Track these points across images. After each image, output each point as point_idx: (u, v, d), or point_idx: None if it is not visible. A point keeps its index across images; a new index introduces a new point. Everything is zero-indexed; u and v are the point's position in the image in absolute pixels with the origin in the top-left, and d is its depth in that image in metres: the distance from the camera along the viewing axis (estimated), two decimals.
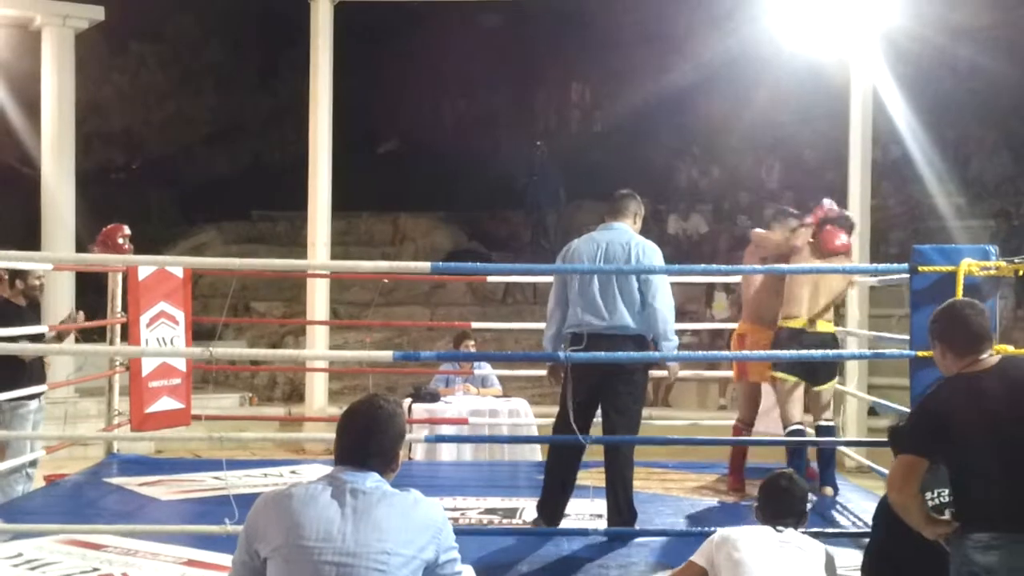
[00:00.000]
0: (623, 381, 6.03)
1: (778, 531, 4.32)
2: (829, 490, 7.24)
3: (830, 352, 7.06)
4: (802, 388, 7.24)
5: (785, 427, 7.15)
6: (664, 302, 6.01)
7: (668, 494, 7.38)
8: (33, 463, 7.65)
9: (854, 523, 6.54)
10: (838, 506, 7.05)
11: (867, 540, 4.67)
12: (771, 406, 7.59)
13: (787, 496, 4.49)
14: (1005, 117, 15.96)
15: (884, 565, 4.32)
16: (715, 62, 16.11)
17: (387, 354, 6.33)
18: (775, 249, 7.42)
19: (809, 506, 4.65)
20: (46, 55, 12.00)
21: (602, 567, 5.54)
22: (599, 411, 6.14)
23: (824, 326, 7.17)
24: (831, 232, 7.21)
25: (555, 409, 6.22)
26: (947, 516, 3.93)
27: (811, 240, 7.29)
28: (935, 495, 4.15)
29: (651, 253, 6.07)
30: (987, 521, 3.71)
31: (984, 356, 3.87)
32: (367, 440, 3.24)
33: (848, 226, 7.36)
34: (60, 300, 10.86)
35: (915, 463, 3.83)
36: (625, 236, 6.12)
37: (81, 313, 8.08)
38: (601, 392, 6.04)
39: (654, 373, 8.07)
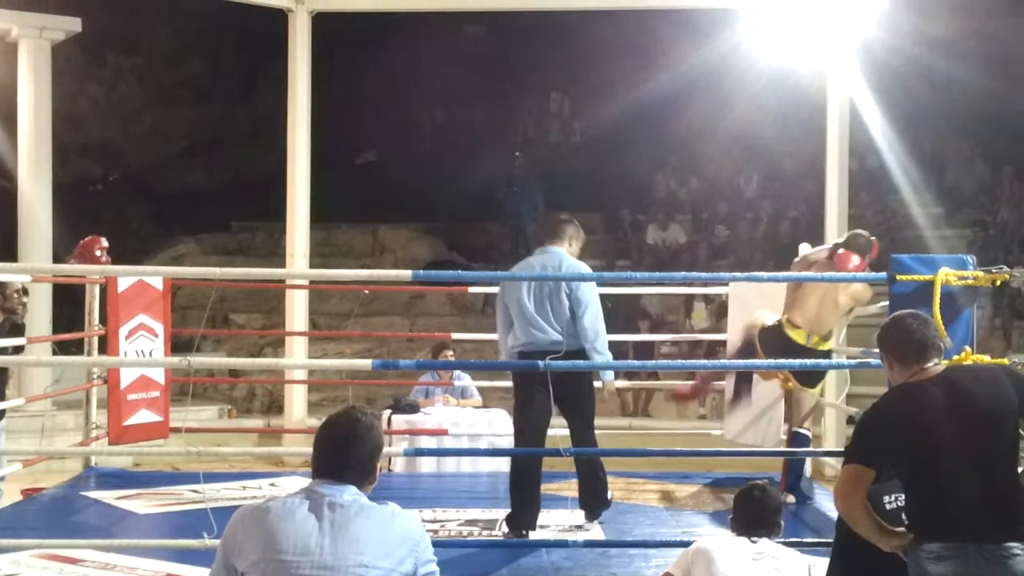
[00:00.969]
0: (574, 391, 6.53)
1: (752, 542, 4.33)
2: (791, 498, 7.31)
3: (808, 361, 7.11)
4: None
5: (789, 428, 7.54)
6: (591, 318, 6.41)
7: (647, 504, 7.39)
8: (1, 477, 7.59)
9: (833, 532, 6.54)
10: (819, 514, 7.07)
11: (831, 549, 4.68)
12: (760, 413, 7.68)
13: (760, 507, 4.51)
14: (981, 127, 16.05)
15: (849, 565, 4.33)
16: (693, 73, 16.16)
17: (366, 363, 6.37)
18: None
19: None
20: (23, 67, 11.94)
21: None
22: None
23: (823, 346, 7.36)
24: (845, 255, 7.44)
25: None
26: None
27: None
28: (892, 499, 4.17)
29: (580, 274, 6.48)
30: (937, 531, 3.73)
31: (929, 365, 3.89)
32: (345, 453, 3.23)
33: (864, 249, 7.48)
34: (38, 313, 10.78)
35: (860, 473, 3.85)
36: (557, 259, 6.53)
37: None
38: (559, 400, 6.46)
39: (631, 384, 8.21)
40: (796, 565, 4.31)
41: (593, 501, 6.72)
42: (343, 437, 3.25)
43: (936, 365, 3.90)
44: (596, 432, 6.71)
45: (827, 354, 7.46)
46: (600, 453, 7.20)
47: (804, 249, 7.91)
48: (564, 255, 6.58)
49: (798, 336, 7.25)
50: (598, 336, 6.41)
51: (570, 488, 7.48)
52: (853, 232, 7.72)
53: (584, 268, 6.59)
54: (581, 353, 6.38)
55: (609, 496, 6.82)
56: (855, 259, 7.40)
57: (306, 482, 3.27)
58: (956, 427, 3.73)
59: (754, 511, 4.49)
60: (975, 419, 3.75)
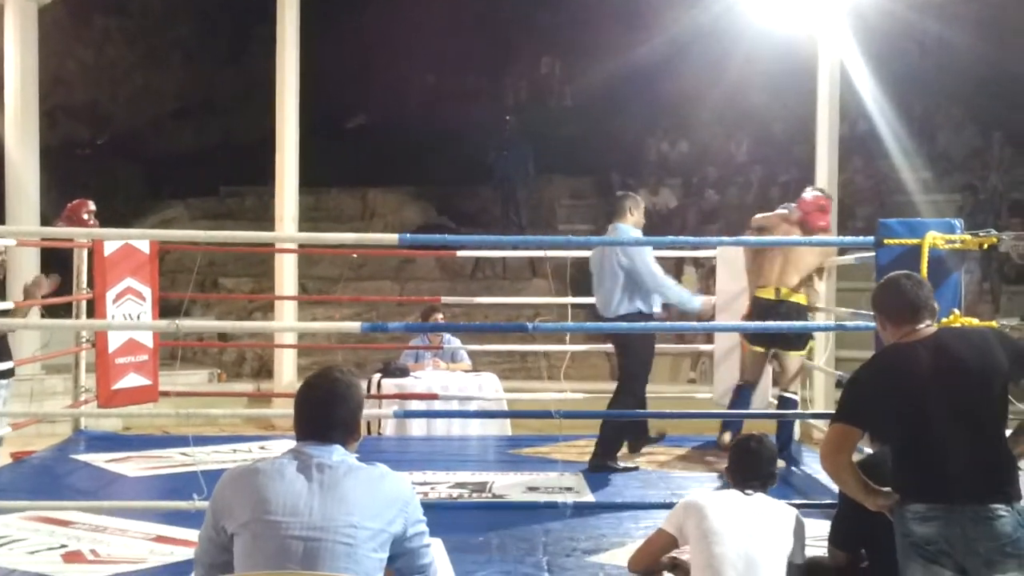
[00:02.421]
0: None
1: (746, 494, 4.35)
2: (780, 462, 7.35)
3: (796, 323, 7.18)
4: (766, 356, 7.63)
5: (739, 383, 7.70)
6: (644, 276, 7.15)
7: (639, 467, 7.40)
8: None
9: (822, 494, 6.59)
10: (808, 477, 7.11)
11: (835, 510, 4.71)
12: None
13: (756, 458, 4.53)
14: (972, 92, 16.02)
15: (850, 532, 4.36)
16: (685, 37, 16.11)
17: (355, 325, 6.39)
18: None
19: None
20: (9, 28, 11.83)
21: (571, 539, 5.57)
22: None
23: (795, 297, 7.41)
24: (815, 214, 7.58)
25: (525, 384, 6.55)
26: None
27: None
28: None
29: (626, 239, 7.22)
30: (922, 492, 3.73)
31: (921, 326, 3.89)
32: (328, 413, 3.24)
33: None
34: (24, 276, 10.75)
35: (846, 432, 3.85)
36: (620, 234, 7.27)
37: (53, 277, 7.91)
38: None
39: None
40: (786, 515, 4.33)
41: (595, 455, 7.17)
42: (324, 399, 3.25)
43: (928, 327, 3.90)
44: (592, 395, 6.97)
45: (802, 308, 7.48)
46: (590, 415, 7.27)
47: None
48: (626, 229, 7.26)
49: (766, 293, 7.42)
50: (659, 286, 7.21)
51: (560, 452, 7.52)
52: (811, 190, 7.89)
53: (632, 234, 7.26)
54: (637, 315, 7.14)
55: (613, 462, 7.17)
56: (826, 218, 7.63)
57: (294, 444, 3.27)
58: (944, 388, 3.74)
59: (751, 462, 4.51)
60: (963, 381, 3.75)
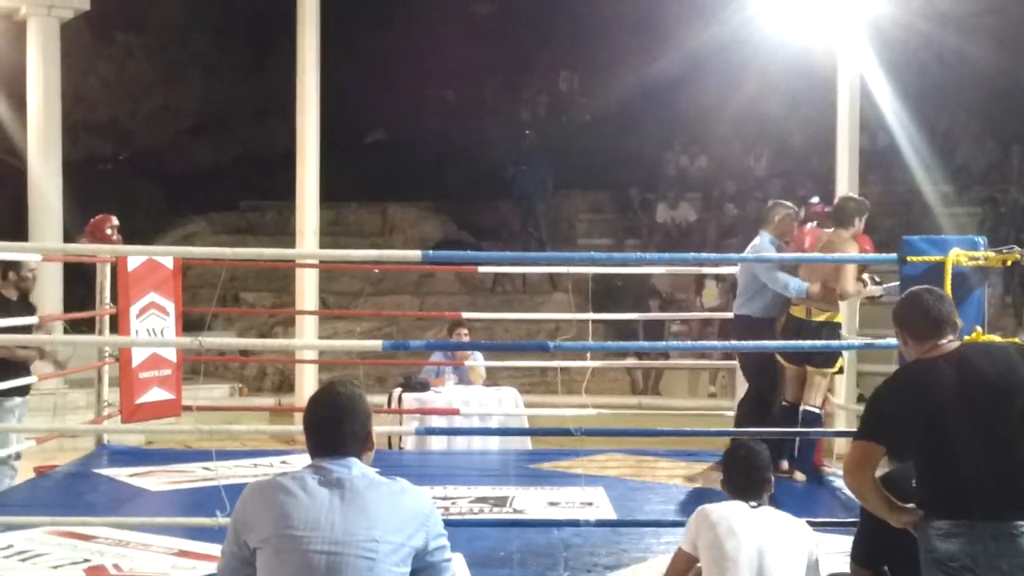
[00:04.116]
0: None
1: (752, 507, 4.32)
2: (801, 475, 7.33)
3: (818, 343, 7.14)
4: (802, 372, 7.51)
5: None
6: (771, 281, 7.47)
7: (657, 482, 7.40)
8: (17, 455, 7.65)
9: (846, 510, 6.56)
10: (833, 493, 7.08)
11: (854, 527, 4.69)
12: None
13: (749, 465, 4.47)
14: (991, 105, 15.98)
15: (872, 548, 4.34)
16: (703, 51, 16.11)
17: (376, 343, 6.38)
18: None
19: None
20: (31, 45, 11.93)
21: (592, 555, 5.56)
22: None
23: (824, 315, 7.37)
24: (812, 231, 7.87)
25: (545, 398, 6.49)
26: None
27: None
28: None
29: (760, 250, 7.63)
30: (946, 508, 3.72)
31: (944, 342, 3.88)
32: (337, 430, 3.23)
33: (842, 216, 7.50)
34: (48, 291, 10.84)
35: (868, 449, 3.84)
36: (759, 241, 7.70)
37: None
38: None
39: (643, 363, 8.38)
40: (796, 526, 4.30)
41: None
42: (332, 415, 3.25)
43: (951, 342, 3.89)
44: (612, 412, 6.94)
45: (834, 327, 7.47)
46: (610, 433, 7.25)
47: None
48: (764, 236, 7.69)
49: (798, 312, 7.42)
50: (784, 287, 7.40)
51: (581, 466, 7.51)
52: (843, 198, 7.87)
53: (766, 249, 7.60)
54: (762, 321, 7.59)
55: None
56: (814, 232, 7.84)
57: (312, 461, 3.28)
58: (967, 404, 3.72)
59: (744, 470, 4.46)
60: (986, 397, 3.74)
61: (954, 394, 3.75)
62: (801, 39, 11.43)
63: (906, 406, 3.81)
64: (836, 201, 7.88)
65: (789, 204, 7.94)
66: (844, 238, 7.34)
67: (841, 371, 7.88)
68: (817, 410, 7.51)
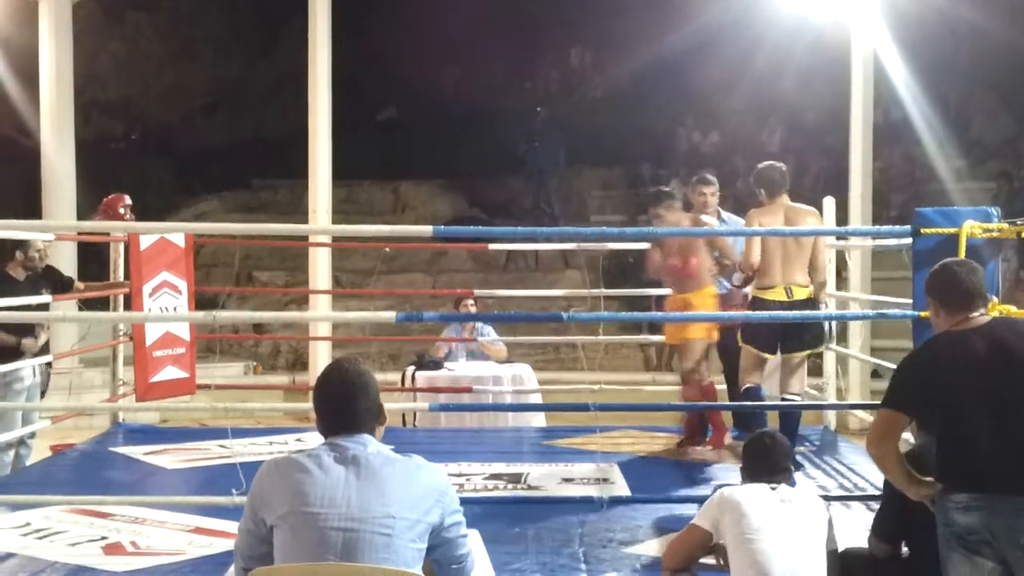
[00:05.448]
0: None
1: (773, 489, 4.33)
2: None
3: (834, 313, 7.05)
4: (767, 359, 7.05)
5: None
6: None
7: (670, 458, 7.40)
8: (32, 434, 7.69)
9: (857, 485, 6.57)
10: (845, 468, 7.08)
11: (872, 501, 4.70)
12: (771, 369, 7.61)
13: (772, 454, 4.49)
14: (1005, 79, 15.90)
15: (893, 523, 4.34)
16: (715, 26, 16.05)
17: (390, 315, 6.39)
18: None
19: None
20: (44, 25, 11.93)
21: (608, 530, 5.57)
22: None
23: (800, 292, 6.89)
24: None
25: (559, 375, 6.50)
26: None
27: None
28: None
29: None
30: (965, 481, 3.72)
31: (975, 315, 3.88)
32: (349, 408, 3.26)
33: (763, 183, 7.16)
34: (62, 270, 10.83)
35: (893, 418, 3.85)
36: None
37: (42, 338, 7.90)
38: None
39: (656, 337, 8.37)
40: (817, 508, 4.32)
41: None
42: (344, 393, 3.27)
43: (982, 315, 3.89)
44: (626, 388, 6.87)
45: (816, 305, 6.97)
46: (626, 408, 7.25)
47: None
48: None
49: (775, 295, 6.86)
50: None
51: (595, 442, 7.52)
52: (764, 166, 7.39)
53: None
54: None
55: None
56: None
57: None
58: (992, 378, 3.72)
59: (767, 459, 4.48)
60: (1012, 371, 3.73)
61: (981, 367, 3.74)
62: (814, 13, 11.37)
63: (931, 377, 3.81)
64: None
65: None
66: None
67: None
68: (799, 398, 7.24)
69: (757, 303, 6.91)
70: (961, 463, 3.75)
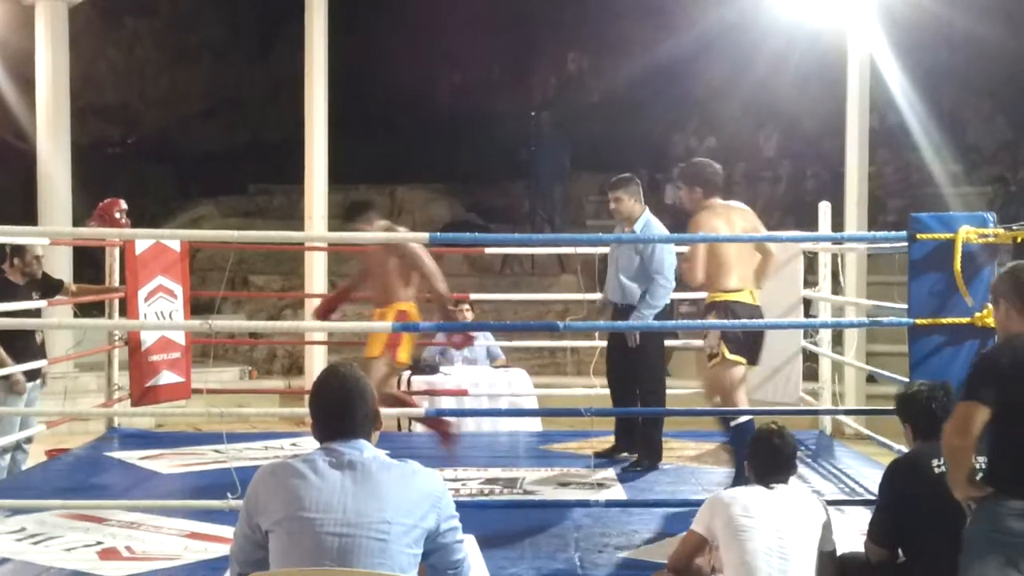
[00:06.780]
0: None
1: (770, 488, 4.32)
2: None
3: (842, 320, 6.96)
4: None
5: (732, 419, 6.40)
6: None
7: (666, 463, 7.40)
8: (28, 439, 7.69)
9: (853, 489, 6.58)
10: (840, 472, 7.09)
11: (867, 506, 4.70)
12: (776, 369, 7.63)
13: (779, 452, 4.47)
14: (1001, 84, 15.94)
15: (889, 529, 4.34)
16: (712, 31, 16.05)
17: (386, 325, 6.37)
18: None
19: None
20: (40, 29, 11.91)
21: (603, 535, 5.57)
22: None
23: (757, 296, 6.53)
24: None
25: (554, 379, 6.46)
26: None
27: None
28: (941, 463, 4.14)
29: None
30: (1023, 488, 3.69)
31: None
32: (346, 413, 3.25)
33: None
34: (57, 275, 10.82)
35: (973, 409, 3.78)
36: None
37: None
38: None
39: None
40: (812, 505, 4.31)
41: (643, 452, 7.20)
42: (341, 399, 3.26)
43: None
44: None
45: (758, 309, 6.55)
46: (620, 413, 7.25)
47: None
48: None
49: (744, 297, 6.40)
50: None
51: (591, 447, 7.53)
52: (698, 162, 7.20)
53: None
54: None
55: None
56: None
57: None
58: None
59: (774, 456, 4.45)
60: None
61: None
62: (811, 19, 11.39)
63: (1002, 376, 3.79)
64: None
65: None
66: None
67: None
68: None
69: (733, 307, 6.33)
70: (1019, 469, 3.72)
